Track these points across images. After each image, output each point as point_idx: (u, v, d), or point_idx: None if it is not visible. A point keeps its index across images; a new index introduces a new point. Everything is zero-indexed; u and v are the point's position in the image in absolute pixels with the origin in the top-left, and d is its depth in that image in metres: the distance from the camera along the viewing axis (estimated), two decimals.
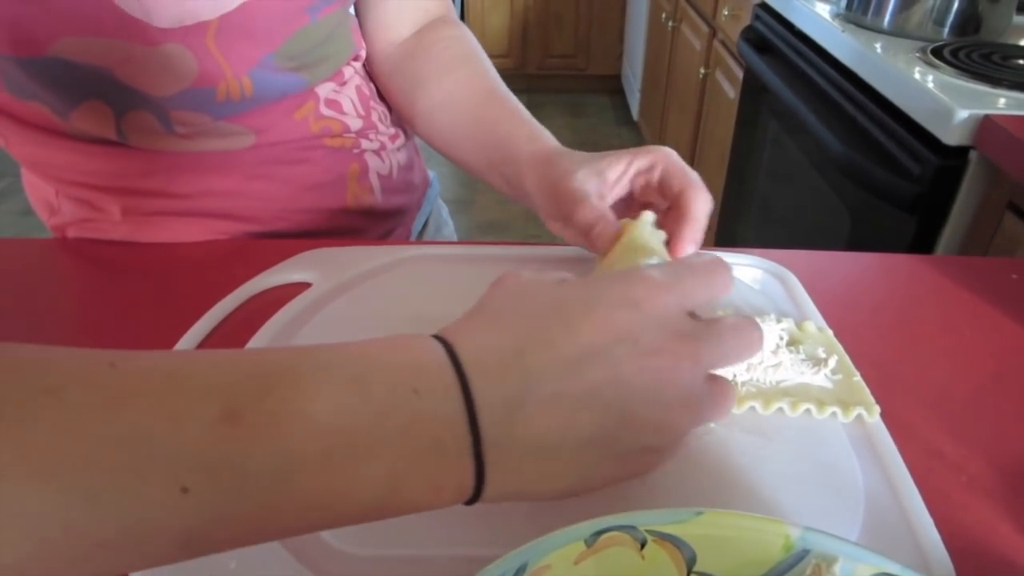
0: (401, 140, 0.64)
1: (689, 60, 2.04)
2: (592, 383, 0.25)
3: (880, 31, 1.02)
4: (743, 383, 0.37)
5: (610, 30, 3.19)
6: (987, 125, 0.74)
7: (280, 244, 0.52)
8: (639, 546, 0.24)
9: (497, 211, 2.43)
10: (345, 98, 0.58)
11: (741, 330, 0.29)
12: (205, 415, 0.22)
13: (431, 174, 0.73)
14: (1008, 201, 0.74)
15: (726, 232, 1.58)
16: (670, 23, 2.22)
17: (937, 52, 0.91)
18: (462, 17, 2.80)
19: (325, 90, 0.57)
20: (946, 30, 0.99)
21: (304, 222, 0.58)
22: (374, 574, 0.29)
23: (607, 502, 0.30)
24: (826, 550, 0.24)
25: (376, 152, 0.61)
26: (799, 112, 1.05)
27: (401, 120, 0.65)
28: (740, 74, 1.50)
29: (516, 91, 0.57)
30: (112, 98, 0.48)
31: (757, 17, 1.37)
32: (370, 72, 0.62)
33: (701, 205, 0.42)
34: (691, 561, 0.24)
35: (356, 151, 0.59)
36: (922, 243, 0.84)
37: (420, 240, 0.70)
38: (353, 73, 0.59)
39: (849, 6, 1.06)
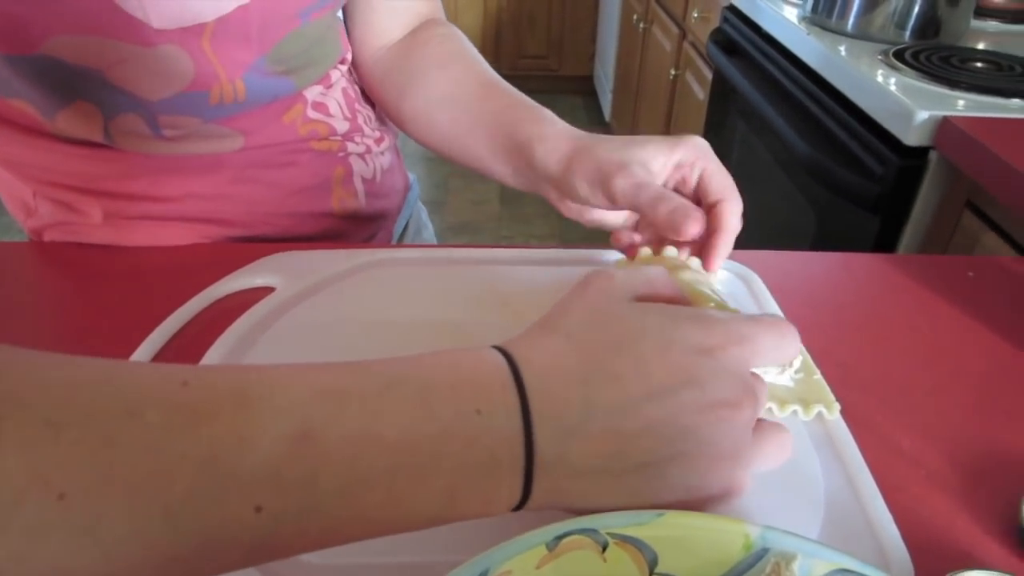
0: (386, 143, 0.64)
1: (660, 61, 2.06)
2: (651, 419, 0.26)
3: (844, 34, 1.04)
4: None
5: (582, 31, 3.20)
6: (946, 126, 0.76)
7: (254, 248, 0.52)
8: (601, 549, 0.24)
9: (469, 213, 2.43)
10: (332, 100, 0.58)
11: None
12: (279, 434, 0.22)
13: (411, 176, 0.73)
14: (967, 200, 0.76)
15: None
16: (641, 25, 2.24)
17: (899, 55, 0.93)
18: None
19: (313, 93, 0.56)
20: (907, 33, 1.02)
21: (288, 227, 0.57)
22: None
23: None
24: (785, 548, 0.24)
25: (361, 156, 0.60)
26: (766, 113, 1.07)
27: (388, 122, 0.64)
28: (709, 75, 1.52)
29: None
30: (102, 100, 0.47)
31: (726, 19, 1.38)
32: (359, 76, 0.62)
33: (737, 216, 0.41)
34: (653, 562, 0.24)
35: (342, 154, 0.59)
36: (885, 241, 0.86)
37: (386, 244, 0.69)
38: (339, 76, 0.59)
39: (815, 9, 1.08)
